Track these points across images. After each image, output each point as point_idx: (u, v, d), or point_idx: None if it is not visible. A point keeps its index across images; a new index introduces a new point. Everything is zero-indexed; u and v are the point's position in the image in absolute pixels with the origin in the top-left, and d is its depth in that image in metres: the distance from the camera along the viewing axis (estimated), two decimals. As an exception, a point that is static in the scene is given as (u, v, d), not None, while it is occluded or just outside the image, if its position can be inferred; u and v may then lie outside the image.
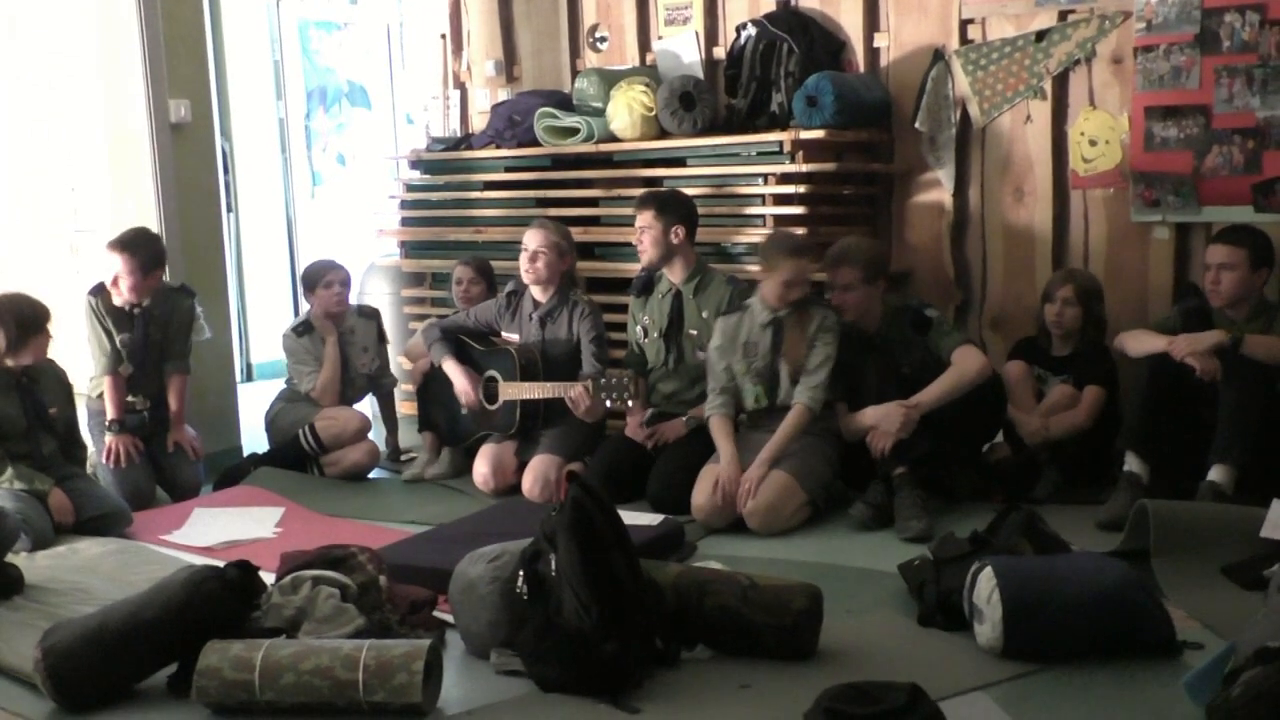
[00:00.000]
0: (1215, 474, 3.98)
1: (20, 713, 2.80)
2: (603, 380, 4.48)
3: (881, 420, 4.24)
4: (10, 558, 3.82)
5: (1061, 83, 5.04)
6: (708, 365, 4.56)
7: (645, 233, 4.74)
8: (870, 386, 4.35)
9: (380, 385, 5.53)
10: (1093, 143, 4.99)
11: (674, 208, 4.74)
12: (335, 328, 5.30)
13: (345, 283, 5.37)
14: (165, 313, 4.98)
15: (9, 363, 4.31)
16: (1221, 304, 4.24)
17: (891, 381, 4.34)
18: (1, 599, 3.61)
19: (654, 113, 5.39)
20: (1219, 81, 4.66)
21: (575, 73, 6.06)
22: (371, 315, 5.53)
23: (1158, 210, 4.85)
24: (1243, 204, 4.67)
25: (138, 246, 4.82)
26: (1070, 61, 4.99)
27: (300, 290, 5.46)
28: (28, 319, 4.32)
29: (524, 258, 4.90)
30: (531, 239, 4.89)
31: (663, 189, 5.01)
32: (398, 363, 5.81)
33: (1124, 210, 4.95)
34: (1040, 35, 5.02)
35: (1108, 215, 5.00)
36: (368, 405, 5.61)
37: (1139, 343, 4.30)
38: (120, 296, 4.84)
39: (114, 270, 4.81)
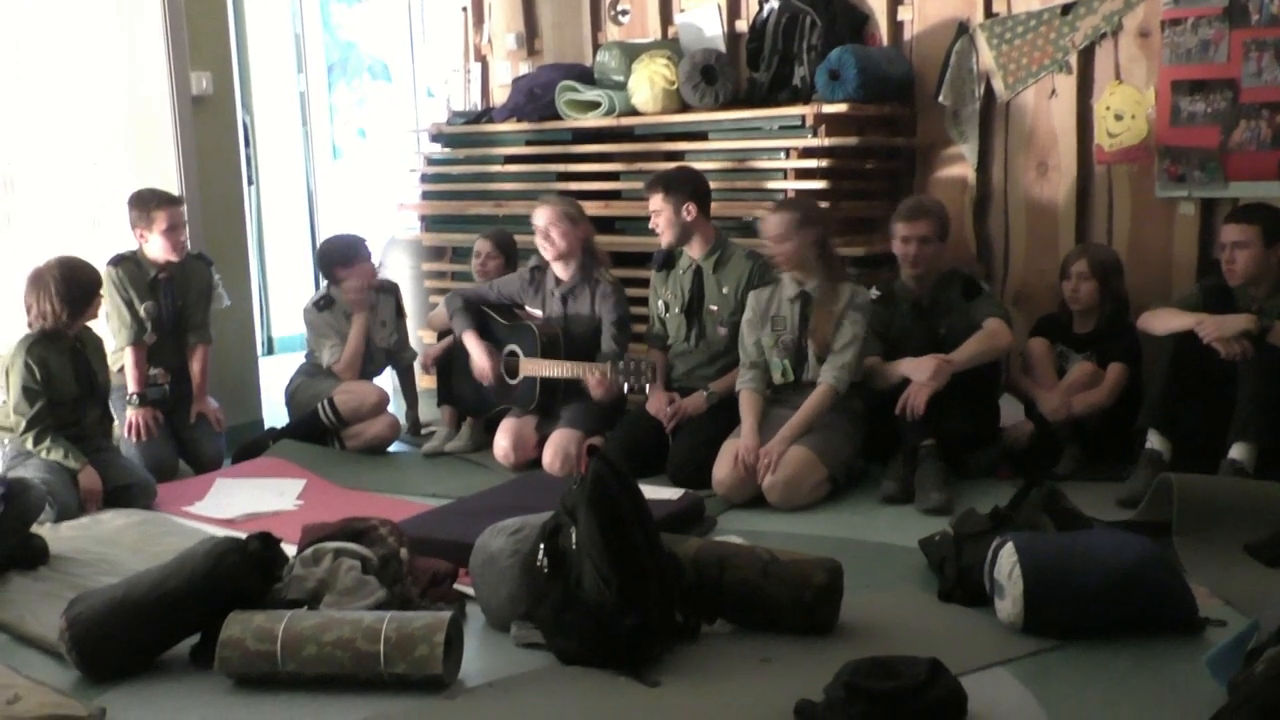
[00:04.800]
0: (1236, 451, 3.96)
1: (46, 682, 2.82)
2: (621, 364, 4.48)
3: (915, 370, 4.26)
4: (35, 529, 3.85)
5: (1087, 56, 5.00)
6: (739, 339, 4.55)
7: (658, 215, 4.74)
8: (908, 345, 4.40)
9: (399, 360, 5.54)
10: (1118, 117, 4.94)
11: (681, 186, 4.72)
12: (365, 304, 5.30)
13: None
14: (185, 280, 4.99)
15: (65, 327, 4.34)
16: (1238, 282, 4.21)
17: (928, 339, 4.39)
18: (26, 570, 3.63)
19: (675, 86, 5.38)
20: (1247, 55, 4.62)
21: (596, 46, 6.04)
22: (390, 290, 5.53)
23: (1183, 185, 4.81)
24: (1270, 179, 4.63)
25: (178, 200, 4.86)
26: (1096, 35, 4.95)
27: (326, 267, 5.40)
28: (84, 284, 4.36)
29: (538, 239, 4.89)
30: (539, 216, 4.87)
31: (670, 168, 4.98)
32: (418, 336, 5.81)
33: (1149, 186, 4.91)
34: (1066, 9, 4.98)
35: (1132, 191, 4.97)
36: (388, 380, 5.62)
37: (1164, 321, 4.27)
38: (165, 253, 4.83)
39: (159, 226, 4.79)
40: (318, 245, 5.68)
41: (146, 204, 4.81)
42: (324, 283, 5.48)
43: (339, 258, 5.33)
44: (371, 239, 5.59)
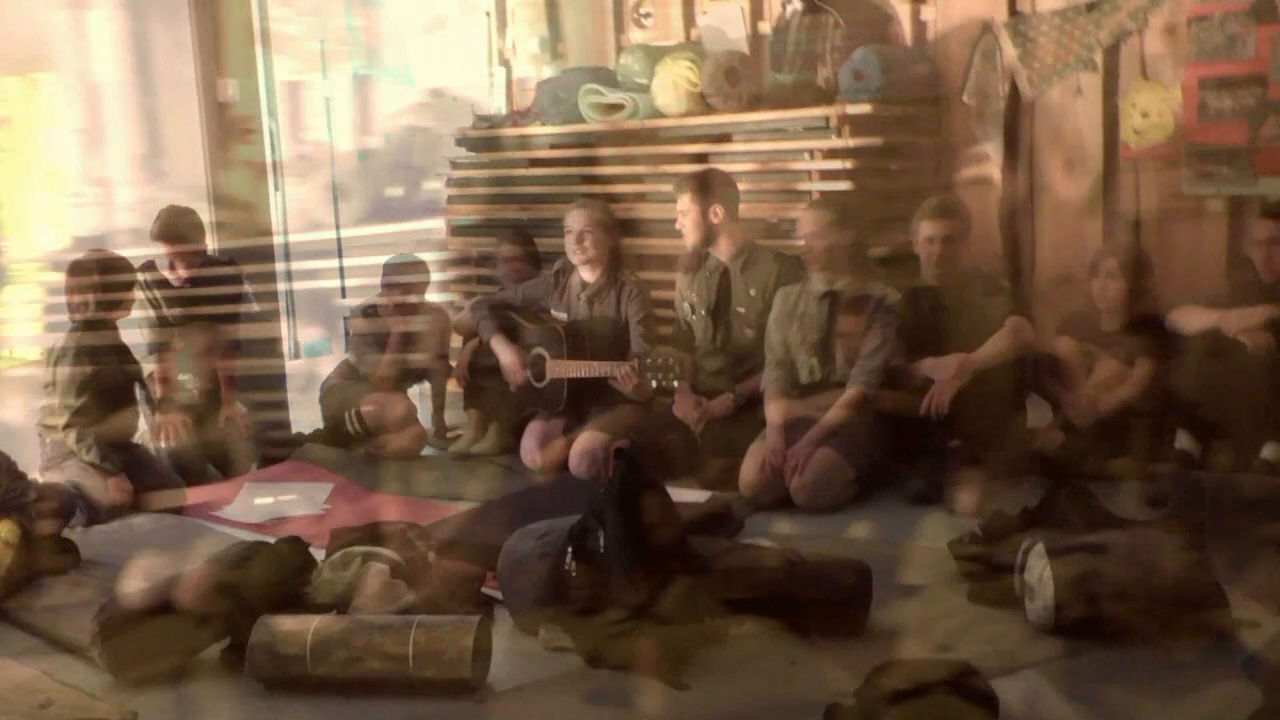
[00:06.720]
0: (1270, 450, 3.94)
1: (77, 685, 2.84)
2: (649, 360, 4.48)
3: (938, 370, 4.23)
4: (65, 533, 3.88)
5: (1113, 54, 4.96)
6: (766, 337, 4.54)
7: (685, 216, 4.74)
8: (931, 344, 4.37)
9: (434, 376, 5.54)
10: (1144, 114, 4.91)
11: (709, 188, 4.72)
12: (407, 323, 5.31)
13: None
14: (212, 286, 5.02)
15: (105, 315, 4.42)
16: (1273, 279, 4.18)
17: (951, 338, 4.36)
18: (58, 573, 3.66)
19: (699, 88, 5.36)
20: (1275, 50, 4.58)
21: (620, 49, 6.04)
22: (438, 313, 5.52)
23: (1211, 182, 4.77)
24: (1300, 175, 4.59)
25: (176, 233, 4.88)
26: (1122, 32, 4.91)
27: (382, 278, 5.42)
28: (118, 273, 4.47)
29: (570, 239, 4.90)
30: (576, 220, 4.88)
31: (698, 170, 4.97)
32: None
33: (1176, 182, 4.87)
34: (1091, 6, 4.94)
35: (1159, 188, 4.93)
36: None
37: (1192, 318, 4.25)
38: (176, 278, 4.89)
39: (163, 257, 4.88)
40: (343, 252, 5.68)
41: (155, 234, 4.89)
42: (349, 286, 5.51)
43: (391, 275, 5.38)
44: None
